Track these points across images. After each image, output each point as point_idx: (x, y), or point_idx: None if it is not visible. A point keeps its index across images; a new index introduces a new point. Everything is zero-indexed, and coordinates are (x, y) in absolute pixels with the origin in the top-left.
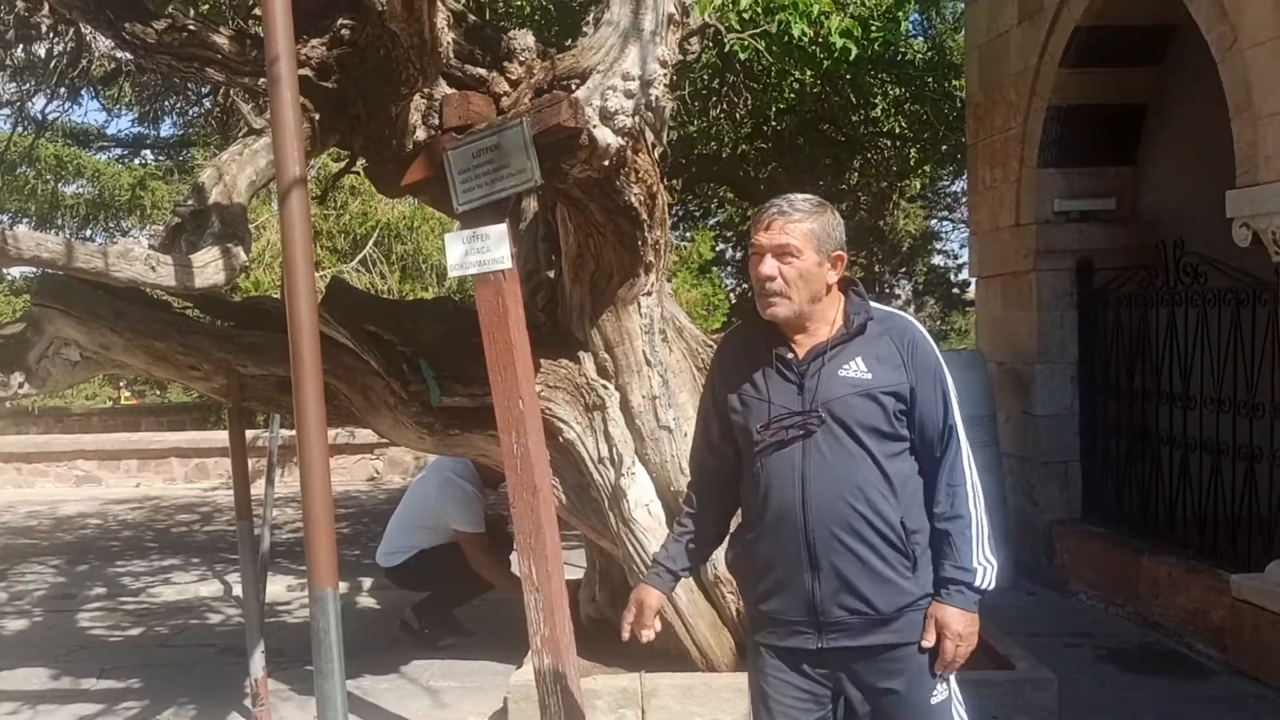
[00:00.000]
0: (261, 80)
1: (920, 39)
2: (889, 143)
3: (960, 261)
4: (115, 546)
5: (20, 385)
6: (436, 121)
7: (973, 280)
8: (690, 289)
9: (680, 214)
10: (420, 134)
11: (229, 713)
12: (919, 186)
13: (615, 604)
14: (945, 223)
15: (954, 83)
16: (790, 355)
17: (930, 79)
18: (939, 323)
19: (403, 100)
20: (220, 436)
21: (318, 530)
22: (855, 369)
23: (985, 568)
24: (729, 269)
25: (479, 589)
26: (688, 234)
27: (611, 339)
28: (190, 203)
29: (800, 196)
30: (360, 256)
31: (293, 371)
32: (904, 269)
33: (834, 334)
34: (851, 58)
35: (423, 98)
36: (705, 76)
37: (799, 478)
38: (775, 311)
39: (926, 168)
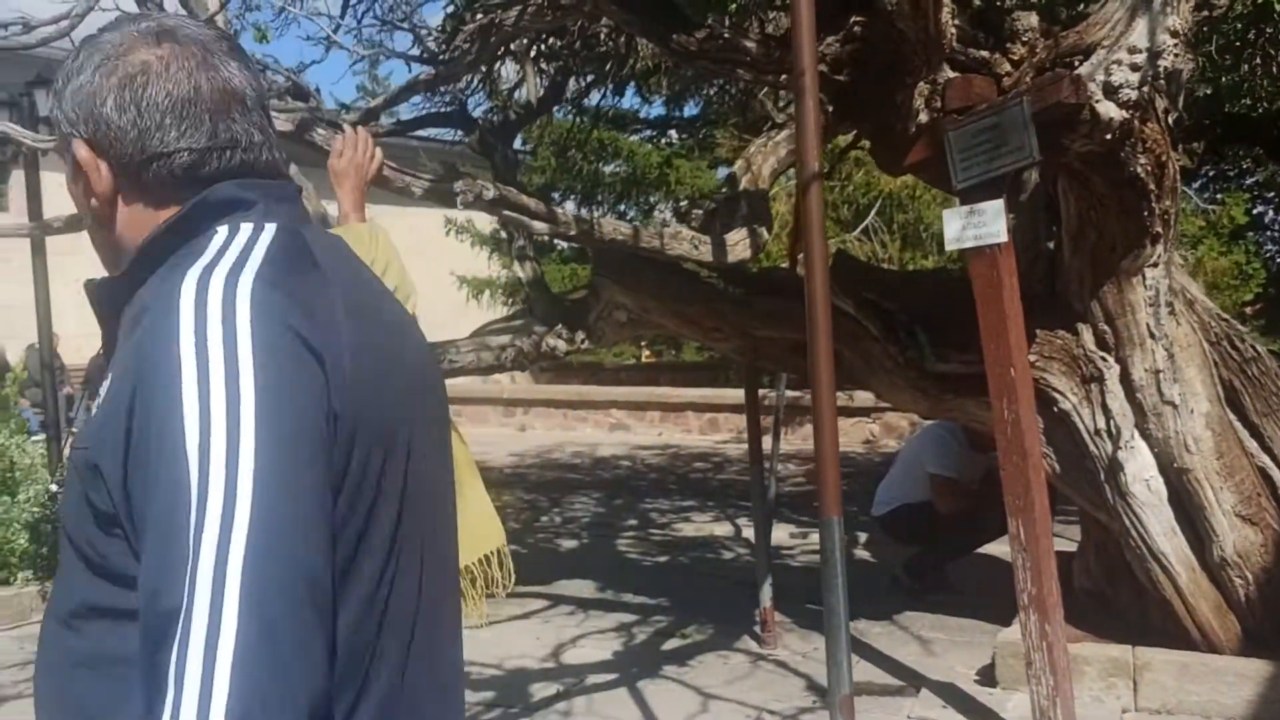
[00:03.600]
0: (783, 76)
1: None
2: None
3: None
4: (643, 485)
5: (582, 340)
6: (939, 104)
7: None
8: (1218, 256)
9: (1210, 175)
10: (923, 116)
11: (740, 634)
12: None
13: (1110, 576)
14: None
15: None
16: None
17: None
18: None
19: (907, 88)
20: (729, 394)
21: (826, 466)
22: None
23: None
24: (1267, 234)
25: (971, 543)
26: (1218, 196)
27: (1112, 311)
28: (724, 190)
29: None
30: (862, 226)
31: (808, 333)
32: None
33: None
34: None
35: (926, 83)
36: (1237, 28)
37: None
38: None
39: None
